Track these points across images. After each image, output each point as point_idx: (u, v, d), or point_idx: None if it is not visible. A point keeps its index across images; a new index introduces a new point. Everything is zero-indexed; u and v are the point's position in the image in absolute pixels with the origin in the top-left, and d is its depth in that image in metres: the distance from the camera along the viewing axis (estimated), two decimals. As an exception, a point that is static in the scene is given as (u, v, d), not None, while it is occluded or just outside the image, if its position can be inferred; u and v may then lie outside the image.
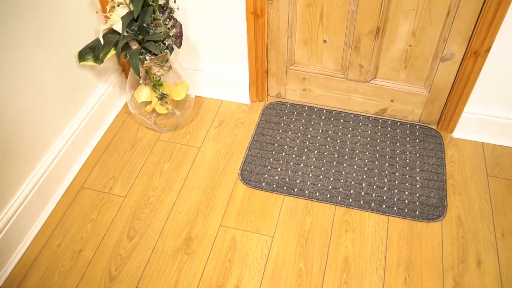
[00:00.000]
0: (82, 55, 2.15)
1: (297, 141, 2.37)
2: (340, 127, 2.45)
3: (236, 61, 2.50)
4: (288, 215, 2.09)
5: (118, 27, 2.04)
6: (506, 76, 2.15)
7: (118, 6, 2.06)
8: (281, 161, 2.27)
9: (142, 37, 2.06)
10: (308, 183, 2.18)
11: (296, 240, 2.00)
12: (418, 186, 2.17)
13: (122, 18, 2.01)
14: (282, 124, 2.48)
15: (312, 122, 2.48)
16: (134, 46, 2.08)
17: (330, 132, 2.43)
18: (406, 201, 2.10)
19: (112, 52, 2.09)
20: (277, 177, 2.21)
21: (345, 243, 1.99)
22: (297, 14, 2.23)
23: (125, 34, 2.03)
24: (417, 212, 2.06)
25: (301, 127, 2.45)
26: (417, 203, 2.09)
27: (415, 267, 1.91)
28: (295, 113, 2.53)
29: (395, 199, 2.11)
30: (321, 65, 2.44)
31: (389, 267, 1.91)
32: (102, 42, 2.09)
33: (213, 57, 2.52)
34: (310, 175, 2.21)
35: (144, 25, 2.01)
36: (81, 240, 1.90)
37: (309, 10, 2.19)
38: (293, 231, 2.03)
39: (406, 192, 2.14)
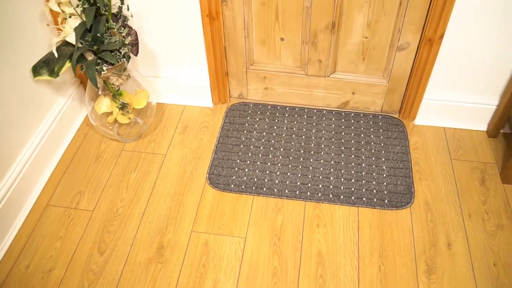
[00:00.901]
0: (36, 70, 2.09)
1: (263, 140, 2.38)
2: (304, 123, 2.47)
3: (195, 65, 2.48)
4: (259, 215, 2.09)
5: (72, 38, 1.99)
6: (460, 61, 2.20)
7: (70, 17, 2.02)
8: (248, 162, 2.26)
9: (97, 47, 2.02)
10: (277, 181, 2.18)
11: (268, 239, 2.00)
12: (385, 175, 2.20)
13: (75, 29, 1.96)
14: (247, 125, 2.47)
15: (276, 120, 2.49)
16: (90, 57, 2.04)
17: (294, 128, 2.44)
18: (374, 191, 2.13)
19: (67, 64, 2.04)
20: (245, 178, 2.20)
21: (317, 237, 2.00)
22: (252, 14, 2.23)
23: (79, 45, 1.99)
24: (386, 201, 2.09)
25: (266, 126, 2.45)
26: (385, 192, 2.12)
27: (388, 254, 1.94)
28: (259, 112, 2.54)
29: (363, 190, 2.13)
30: (281, 63, 2.44)
31: (362, 256, 1.93)
32: (56, 55, 2.04)
33: (172, 62, 2.49)
34: (278, 173, 2.22)
35: (98, 35, 1.97)
36: (50, 259, 1.85)
37: (264, 9, 2.19)
38: (265, 230, 2.03)
39: (374, 182, 2.17)
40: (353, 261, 1.90)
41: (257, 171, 2.23)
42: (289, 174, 2.21)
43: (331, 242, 1.98)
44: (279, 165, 2.25)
